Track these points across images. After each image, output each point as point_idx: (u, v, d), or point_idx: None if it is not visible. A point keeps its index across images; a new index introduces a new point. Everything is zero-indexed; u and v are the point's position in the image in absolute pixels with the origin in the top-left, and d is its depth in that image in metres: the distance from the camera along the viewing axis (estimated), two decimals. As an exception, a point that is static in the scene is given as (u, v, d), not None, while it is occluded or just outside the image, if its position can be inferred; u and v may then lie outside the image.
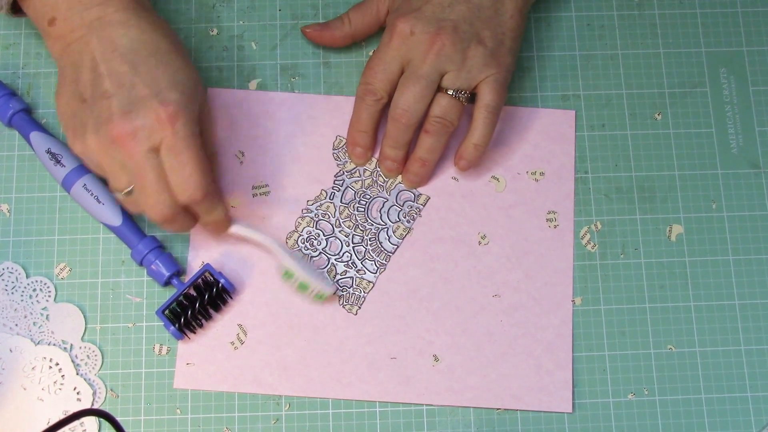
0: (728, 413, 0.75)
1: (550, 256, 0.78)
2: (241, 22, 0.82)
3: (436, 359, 0.75)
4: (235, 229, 0.75)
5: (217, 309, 0.75)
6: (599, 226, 0.79)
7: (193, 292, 0.74)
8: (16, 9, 0.74)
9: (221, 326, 0.76)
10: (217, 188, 0.74)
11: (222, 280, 0.74)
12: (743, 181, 0.80)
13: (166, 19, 0.73)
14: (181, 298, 0.74)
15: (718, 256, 0.78)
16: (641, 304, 0.77)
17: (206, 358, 0.75)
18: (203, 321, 0.75)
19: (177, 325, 0.73)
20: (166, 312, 0.74)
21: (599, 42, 0.83)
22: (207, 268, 0.75)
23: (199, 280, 0.75)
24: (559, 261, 0.77)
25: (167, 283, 0.75)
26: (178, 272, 0.75)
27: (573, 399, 0.75)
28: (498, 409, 0.75)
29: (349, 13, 0.80)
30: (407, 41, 0.74)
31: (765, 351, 0.77)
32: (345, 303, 0.76)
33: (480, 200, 0.79)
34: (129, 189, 0.69)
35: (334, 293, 0.76)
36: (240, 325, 0.76)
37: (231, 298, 0.75)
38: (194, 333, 0.75)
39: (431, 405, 0.75)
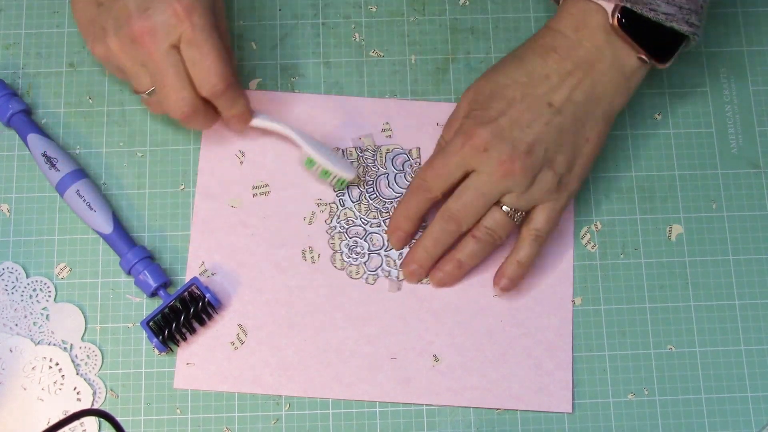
0: (728, 413, 0.75)
1: (550, 256, 0.78)
2: (241, 22, 0.82)
3: (436, 359, 0.75)
4: (256, 122, 0.76)
5: (202, 323, 0.75)
6: (599, 226, 0.79)
7: (179, 305, 0.74)
8: None
9: (221, 326, 0.76)
10: (237, 80, 0.73)
11: (208, 295, 0.74)
12: (743, 181, 0.80)
13: None
14: (166, 310, 0.74)
15: (718, 256, 0.78)
16: (641, 304, 0.77)
17: (206, 358, 0.75)
18: (187, 334, 0.75)
19: (161, 338, 0.73)
20: (151, 323, 0.74)
21: (599, 42, 0.83)
22: (194, 282, 0.74)
23: (186, 294, 0.74)
24: (559, 261, 0.77)
25: (154, 294, 0.75)
26: (165, 284, 0.75)
27: (573, 399, 0.75)
28: (498, 409, 0.75)
29: (443, 135, 0.77)
30: (479, 155, 0.71)
31: (765, 351, 0.77)
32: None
33: None
34: (150, 90, 0.71)
35: (355, 178, 0.77)
36: (240, 325, 0.76)
37: (216, 313, 0.75)
38: (177, 346, 0.75)
39: (431, 405, 0.75)
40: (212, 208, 0.78)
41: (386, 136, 0.80)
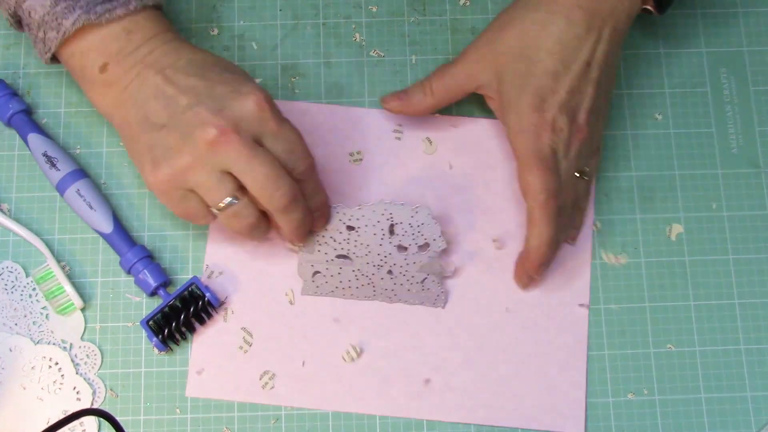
0: (728, 413, 0.75)
1: (567, 273, 0.77)
2: (241, 22, 0.82)
3: (448, 376, 0.74)
4: None
5: (202, 322, 0.75)
6: (599, 226, 0.79)
7: (179, 304, 0.74)
8: (54, 58, 0.72)
9: (232, 334, 0.75)
10: None
11: (207, 294, 0.74)
12: (743, 181, 0.80)
13: None
14: (166, 309, 0.74)
15: (718, 256, 0.78)
16: (641, 303, 0.77)
17: (218, 367, 0.74)
18: (187, 333, 0.75)
19: (160, 337, 0.73)
20: (151, 323, 0.74)
21: (599, 42, 0.83)
22: (194, 281, 0.74)
23: (186, 293, 0.74)
24: (576, 279, 0.77)
25: (153, 294, 0.75)
26: (165, 283, 0.75)
27: (586, 421, 0.74)
28: (505, 427, 0.74)
29: (432, 84, 0.76)
30: (558, 134, 0.71)
31: (765, 351, 0.77)
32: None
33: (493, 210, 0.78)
34: (229, 200, 0.67)
35: (83, 307, 0.75)
36: (245, 329, 0.75)
37: (216, 312, 0.75)
38: (177, 345, 0.75)
39: (442, 421, 0.74)
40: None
41: (396, 138, 0.80)
